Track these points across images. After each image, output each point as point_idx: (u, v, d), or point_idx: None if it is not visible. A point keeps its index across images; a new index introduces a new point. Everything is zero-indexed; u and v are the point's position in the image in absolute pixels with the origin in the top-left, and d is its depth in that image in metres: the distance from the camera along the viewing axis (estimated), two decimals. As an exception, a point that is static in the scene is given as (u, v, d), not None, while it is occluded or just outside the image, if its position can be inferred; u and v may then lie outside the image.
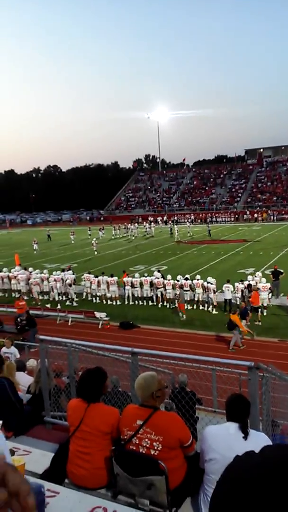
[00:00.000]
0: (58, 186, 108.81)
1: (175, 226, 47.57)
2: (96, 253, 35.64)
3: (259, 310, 16.73)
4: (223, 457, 2.83)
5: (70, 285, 21.26)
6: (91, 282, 21.13)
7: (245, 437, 2.88)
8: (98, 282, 20.91)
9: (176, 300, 18.54)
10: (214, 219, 61.32)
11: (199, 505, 2.97)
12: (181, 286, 19.19)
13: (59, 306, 20.06)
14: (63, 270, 23.39)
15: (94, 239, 38.87)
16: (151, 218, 60.50)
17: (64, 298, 21.92)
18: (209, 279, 18.85)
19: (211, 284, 18.28)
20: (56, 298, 21.71)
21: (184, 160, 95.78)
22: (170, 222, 57.29)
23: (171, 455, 3.02)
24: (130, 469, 3.01)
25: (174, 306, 19.28)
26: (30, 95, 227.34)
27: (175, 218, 61.70)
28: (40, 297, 22.33)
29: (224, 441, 2.94)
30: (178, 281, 19.40)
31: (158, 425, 3.03)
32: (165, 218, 62.53)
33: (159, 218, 61.05)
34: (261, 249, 33.23)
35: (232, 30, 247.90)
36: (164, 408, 4.79)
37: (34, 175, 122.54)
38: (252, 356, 11.53)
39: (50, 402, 5.08)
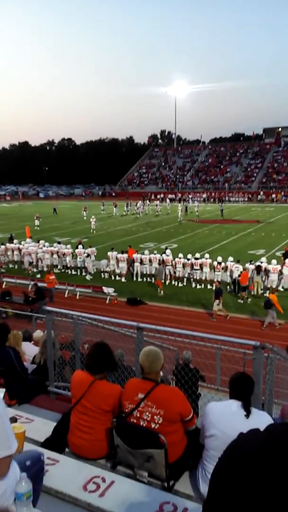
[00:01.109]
0: (71, 160, 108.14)
1: (179, 204, 46.50)
2: (94, 231, 34.26)
3: (246, 289, 17.14)
4: (224, 434, 2.82)
5: (88, 256, 21.26)
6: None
7: (247, 416, 2.86)
8: (109, 258, 21.00)
9: (157, 276, 18.88)
10: (227, 198, 60.57)
11: (197, 479, 2.99)
12: (191, 265, 19.18)
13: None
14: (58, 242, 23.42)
15: (93, 216, 37.21)
16: (161, 196, 60.24)
17: (73, 272, 22.10)
18: (219, 258, 18.77)
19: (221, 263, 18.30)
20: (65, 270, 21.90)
21: (201, 136, 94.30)
22: (183, 200, 56.74)
23: (172, 428, 3.03)
24: (130, 441, 3.03)
25: (183, 285, 19.31)
26: (47, 67, 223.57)
27: (184, 196, 60.97)
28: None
29: (225, 418, 2.93)
30: (188, 259, 19.35)
31: (159, 398, 3.03)
32: (178, 196, 61.94)
33: (169, 196, 60.36)
34: (273, 231, 32.87)
35: (254, 3, 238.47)
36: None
37: (48, 148, 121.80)
38: (258, 336, 11.52)
39: (55, 373, 5.14)
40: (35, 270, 22.88)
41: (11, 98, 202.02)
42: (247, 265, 18.07)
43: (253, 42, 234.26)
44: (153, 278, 20.12)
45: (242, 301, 16.90)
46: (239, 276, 17.53)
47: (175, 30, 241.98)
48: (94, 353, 3.43)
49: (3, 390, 2.95)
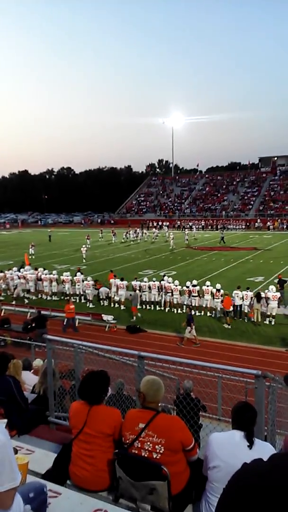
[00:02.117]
0: (70, 188, 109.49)
1: (171, 232, 46.79)
2: (84, 260, 33.92)
3: (229, 314, 17.57)
4: (227, 464, 2.80)
5: (93, 286, 21.28)
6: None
7: (250, 446, 2.85)
8: (110, 285, 21.00)
9: (132, 302, 19.16)
10: (225, 226, 61.11)
11: (201, 512, 2.94)
12: (189, 292, 19.17)
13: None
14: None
15: (83, 245, 36.95)
16: (157, 223, 61.05)
17: (72, 299, 22.03)
18: (218, 285, 18.80)
19: (220, 290, 18.32)
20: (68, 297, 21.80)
21: (197, 165, 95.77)
22: (183, 227, 57.31)
23: (174, 458, 3.00)
24: (133, 473, 2.99)
25: (182, 312, 19.24)
26: (45, 96, 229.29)
27: (184, 224, 61.72)
28: (48, 298, 22.52)
29: (229, 449, 2.91)
30: (187, 287, 19.35)
31: (160, 427, 3.02)
32: (177, 223, 62.49)
33: (165, 224, 61.04)
34: (271, 258, 33.01)
35: (248, 37, 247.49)
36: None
37: (47, 176, 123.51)
38: (258, 365, 11.43)
39: (55, 403, 5.08)
40: (26, 296, 22.85)
41: (11, 128, 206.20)
42: (245, 292, 18.07)
43: (248, 75, 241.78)
44: (152, 306, 20.06)
45: (229, 326, 17.13)
46: (241, 299, 17.73)
47: (172, 63, 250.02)
48: (89, 381, 3.41)
49: (4, 421, 2.94)
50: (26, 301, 22.29)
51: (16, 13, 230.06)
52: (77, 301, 21.64)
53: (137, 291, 19.67)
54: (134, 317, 18.49)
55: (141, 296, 20.12)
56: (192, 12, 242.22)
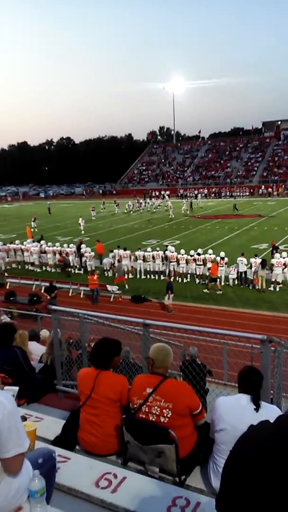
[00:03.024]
0: (71, 159, 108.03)
1: (169, 201, 46.53)
2: (83, 232, 33.58)
3: (218, 280, 17.84)
4: (234, 428, 2.83)
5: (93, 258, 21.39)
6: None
7: (257, 409, 2.86)
8: (114, 255, 21.05)
9: (116, 273, 19.47)
10: (228, 193, 60.52)
11: (209, 474, 2.99)
12: (194, 260, 19.17)
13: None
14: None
15: (80, 218, 36.33)
16: (159, 193, 60.57)
17: (76, 271, 22.17)
18: (222, 253, 18.77)
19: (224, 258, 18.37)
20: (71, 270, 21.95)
21: (199, 132, 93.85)
22: (186, 196, 56.87)
23: (181, 423, 3.03)
24: (141, 437, 3.03)
25: (187, 281, 19.32)
26: (43, 66, 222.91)
27: (187, 192, 61.18)
28: (53, 270, 22.64)
29: (235, 412, 2.93)
30: (191, 256, 19.34)
31: (167, 392, 3.04)
32: (180, 192, 61.97)
33: (166, 193, 60.52)
34: (275, 225, 32.79)
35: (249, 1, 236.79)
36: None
37: (47, 147, 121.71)
38: (264, 331, 11.50)
39: (62, 371, 5.15)
40: (38, 269, 22.98)
41: (8, 99, 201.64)
42: (252, 259, 18.01)
43: (250, 39, 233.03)
44: (157, 275, 20.13)
45: (220, 292, 17.45)
46: (248, 266, 17.93)
47: (172, 26, 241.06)
48: (100, 346, 3.47)
49: (16, 388, 2.95)
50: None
51: None
52: (82, 272, 21.74)
53: (122, 262, 20.02)
54: (126, 286, 18.77)
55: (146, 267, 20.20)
56: None
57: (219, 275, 17.97)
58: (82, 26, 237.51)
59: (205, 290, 17.79)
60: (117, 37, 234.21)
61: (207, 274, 18.75)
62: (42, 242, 24.83)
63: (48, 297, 16.35)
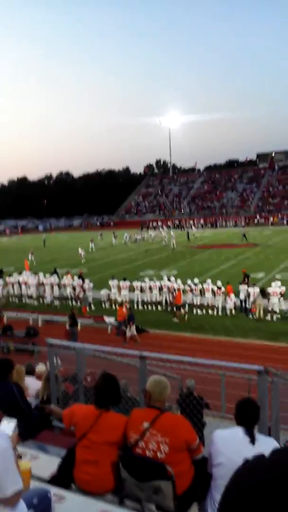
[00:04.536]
0: (69, 192, 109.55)
1: (171, 231, 47.19)
2: (83, 261, 34.68)
3: (181, 308, 18.36)
4: (231, 461, 2.80)
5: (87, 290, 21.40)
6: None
7: (252, 442, 2.84)
8: (110, 286, 21.03)
9: (83, 303, 20.09)
10: (223, 223, 61.24)
11: (206, 510, 2.93)
12: (191, 291, 19.17)
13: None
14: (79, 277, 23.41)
15: (80, 248, 37.25)
16: (157, 223, 61.28)
17: (74, 303, 22.06)
18: (218, 283, 18.81)
19: (221, 288, 18.40)
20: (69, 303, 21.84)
21: (195, 164, 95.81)
22: (186, 226, 57.49)
23: (178, 458, 2.99)
24: (137, 474, 2.99)
25: (185, 311, 19.24)
26: (41, 101, 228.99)
27: (183, 223, 61.85)
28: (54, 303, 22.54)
29: (232, 445, 2.91)
30: (189, 286, 19.35)
31: (164, 426, 3.01)
32: (175, 223, 62.65)
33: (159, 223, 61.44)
34: (271, 253, 32.99)
35: (243, 34, 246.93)
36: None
37: (46, 182, 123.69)
38: (262, 360, 11.39)
39: (59, 407, 5.08)
40: (35, 303, 22.87)
41: (8, 135, 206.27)
42: (251, 289, 18.04)
43: (243, 74, 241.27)
44: (153, 306, 20.05)
45: (177, 320, 17.71)
46: (247, 296, 18.02)
47: (167, 63, 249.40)
48: (102, 385, 3.39)
49: (14, 420, 2.89)
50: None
51: (13, 15, 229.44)
52: (79, 304, 21.63)
53: (87, 293, 20.68)
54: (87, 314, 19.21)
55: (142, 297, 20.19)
56: (187, 10, 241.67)
57: (181, 303, 18.44)
58: (80, 62, 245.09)
59: (175, 319, 18.06)
60: (114, 71, 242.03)
61: (206, 303, 18.74)
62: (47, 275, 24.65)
63: (68, 325, 16.51)
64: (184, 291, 19.36)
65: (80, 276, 23.12)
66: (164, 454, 2.97)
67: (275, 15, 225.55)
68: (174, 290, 19.42)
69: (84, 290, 21.09)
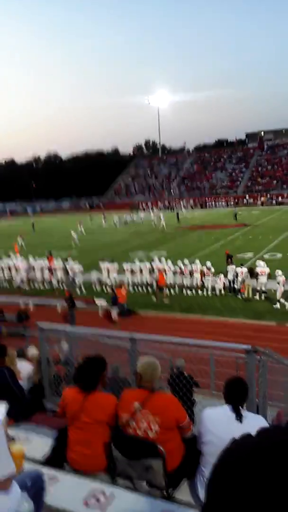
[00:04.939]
0: (58, 174, 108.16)
1: (160, 213, 47.31)
2: (76, 244, 34.84)
3: (164, 289, 18.50)
4: (220, 439, 2.87)
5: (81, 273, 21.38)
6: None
7: (240, 419, 2.91)
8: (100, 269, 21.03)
9: (66, 286, 19.93)
10: (213, 203, 61.27)
11: (196, 486, 3.02)
12: (181, 271, 19.25)
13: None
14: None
15: (72, 232, 37.43)
16: (146, 204, 61.07)
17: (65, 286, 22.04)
18: (208, 263, 18.91)
19: (211, 268, 18.53)
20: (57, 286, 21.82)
21: (184, 143, 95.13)
22: (176, 207, 57.38)
23: (169, 436, 3.06)
24: (129, 453, 3.06)
25: (175, 293, 19.37)
26: (28, 82, 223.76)
27: (174, 204, 61.77)
28: (41, 286, 22.48)
29: (221, 424, 2.98)
30: (179, 267, 19.41)
31: (155, 405, 3.07)
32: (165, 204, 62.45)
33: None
34: (260, 233, 33.17)
35: (232, 12, 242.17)
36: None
37: (34, 164, 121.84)
38: (250, 339, 11.58)
39: (51, 390, 5.14)
40: (26, 287, 22.81)
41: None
42: (238, 268, 18.18)
43: (234, 52, 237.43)
44: (144, 288, 20.13)
45: (166, 300, 18.05)
46: (235, 276, 18.17)
47: (155, 40, 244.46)
48: (85, 368, 3.43)
49: (3, 404, 2.91)
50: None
51: None
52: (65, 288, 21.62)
53: (71, 276, 20.54)
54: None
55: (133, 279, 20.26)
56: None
57: (164, 284, 18.59)
58: (66, 41, 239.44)
59: (155, 299, 18.45)
60: (102, 51, 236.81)
61: (195, 284, 18.87)
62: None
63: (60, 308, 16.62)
64: (175, 273, 19.44)
65: (64, 258, 23.11)
66: (155, 433, 3.04)
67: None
68: (164, 271, 19.50)
69: (67, 273, 21.10)
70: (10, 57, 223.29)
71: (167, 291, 18.71)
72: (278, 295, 16.31)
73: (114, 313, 16.43)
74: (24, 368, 6.56)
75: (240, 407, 3.00)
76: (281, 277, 16.31)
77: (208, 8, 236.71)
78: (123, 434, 3.15)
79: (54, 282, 22.19)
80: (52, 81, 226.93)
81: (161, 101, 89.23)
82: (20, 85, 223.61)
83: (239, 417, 2.93)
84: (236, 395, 3.08)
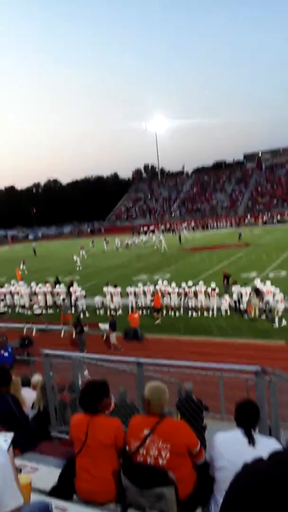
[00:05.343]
0: (58, 200, 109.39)
1: (161, 235, 47.91)
2: (78, 268, 35.05)
3: (159, 311, 18.71)
4: (233, 464, 2.78)
5: (84, 297, 21.31)
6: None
7: (252, 443, 2.83)
8: (104, 293, 20.98)
9: (63, 311, 19.89)
10: (214, 224, 61.62)
11: (211, 515, 2.91)
12: (185, 294, 19.18)
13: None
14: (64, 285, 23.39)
15: (75, 256, 38.05)
16: (148, 228, 61.51)
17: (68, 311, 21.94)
18: (212, 284, 18.86)
19: (215, 289, 18.46)
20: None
21: (183, 167, 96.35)
22: (177, 229, 57.74)
23: (180, 463, 2.97)
24: (139, 481, 2.96)
25: (180, 314, 19.24)
26: (27, 108, 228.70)
27: (175, 226, 62.17)
28: (44, 311, 22.37)
29: (233, 448, 2.89)
30: (183, 288, 19.35)
31: (165, 432, 2.99)
32: (167, 226, 62.81)
33: (151, 228, 61.69)
34: (263, 252, 33.18)
35: (229, 36, 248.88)
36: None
37: (34, 190, 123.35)
38: (259, 359, 11.41)
39: (56, 417, 5.03)
40: (28, 312, 22.71)
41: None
42: (244, 288, 18.09)
43: (227, 79, 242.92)
44: (148, 310, 20.02)
45: (159, 322, 18.30)
46: (240, 296, 18.06)
47: (152, 68, 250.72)
48: (85, 392, 3.40)
49: (10, 434, 2.85)
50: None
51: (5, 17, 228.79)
52: (73, 312, 21.51)
53: (66, 300, 20.78)
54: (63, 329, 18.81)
55: (136, 302, 20.16)
56: (174, 12, 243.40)
57: (160, 306, 18.71)
58: (64, 68, 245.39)
59: (157, 322, 18.48)
60: (100, 79, 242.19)
61: (200, 305, 18.75)
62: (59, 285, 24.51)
63: (74, 333, 16.50)
64: (179, 294, 19.39)
65: (71, 284, 23.05)
66: (165, 460, 2.94)
67: (259, 18, 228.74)
68: (169, 293, 19.45)
69: (64, 299, 21.26)
70: (6, 87, 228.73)
71: (160, 313, 18.82)
72: (277, 313, 16.36)
73: (113, 337, 16.20)
74: (28, 395, 6.45)
75: (252, 430, 2.92)
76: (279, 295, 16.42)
77: (205, 34, 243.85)
78: (132, 462, 3.06)
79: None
80: (50, 108, 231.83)
81: (159, 126, 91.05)
82: (19, 112, 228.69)
83: (251, 441, 2.84)
84: (248, 418, 3.01)
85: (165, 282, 20.48)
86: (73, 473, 3.31)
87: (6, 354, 11.65)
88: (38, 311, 21.47)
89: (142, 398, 3.41)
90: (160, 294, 19.58)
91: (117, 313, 20.21)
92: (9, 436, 2.47)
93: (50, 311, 22.48)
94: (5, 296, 24.25)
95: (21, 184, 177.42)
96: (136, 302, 20.26)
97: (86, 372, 5.77)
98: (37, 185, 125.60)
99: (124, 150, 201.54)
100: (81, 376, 5.29)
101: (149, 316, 19.51)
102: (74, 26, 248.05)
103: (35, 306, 22.05)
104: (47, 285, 23.58)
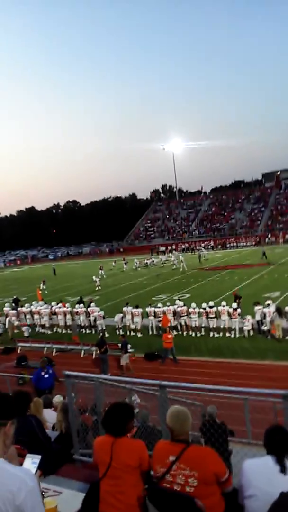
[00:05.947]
0: (78, 220, 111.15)
1: (180, 255, 47.86)
2: (97, 288, 34.95)
3: (167, 330, 17.57)
4: (264, 493, 2.67)
5: (103, 317, 21.29)
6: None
7: (283, 471, 2.71)
8: (124, 313, 20.91)
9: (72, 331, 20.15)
10: (234, 243, 61.24)
11: None
12: (206, 314, 18.94)
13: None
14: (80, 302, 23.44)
15: (94, 277, 37.95)
16: (166, 248, 61.54)
17: (87, 331, 21.92)
18: (234, 305, 18.60)
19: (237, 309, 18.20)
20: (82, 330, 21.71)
21: (202, 188, 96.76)
22: (196, 249, 57.60)
23: (208, 491, 2.87)
24: (165, 508, 2.86)
25: (201, 335, 18.98)
26: (47, 131, 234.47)
27: (194, 246, 62.10)
28: (64, 331, 22.41)
29: (264, 476, 2.79)
30: (204, 309, 19.15)
31: (192, 460, 2.90)
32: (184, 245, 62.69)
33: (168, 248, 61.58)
34: (285, 271, 32.64)
35: (246, 58, 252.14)
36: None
37: (54, 211, 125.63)
38: (283, 382, 11.08)
39: (78, 439, 4.96)
40: (48, 332, 22.81)
41: (15, 167, 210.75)
42: (266, 309, 17.76)
43: (243, 101, 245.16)
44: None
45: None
46: (262, 317, 17.78)
47: (170, 90, 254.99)
48: (112, 414, 3.34)
49: (38, 456, 2.80)
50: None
51: (9, 46, 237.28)
52: (92, 332, 21.48)
53: (75, 320, 20.86)
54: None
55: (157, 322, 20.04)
56: (192, 33, 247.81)
57: (167, 326, 18.09)
58: (83, 91, 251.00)
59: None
60: (117, 100, 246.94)
61: (222, 326, 18.48)
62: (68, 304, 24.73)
63: (98, 352, 16.43)
64: (199, 314, 19.18)
65: (90, 304, 23.12)
66: (192, 488, 2.85)
67: (275, 39, 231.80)
68: (188, 314, 19.26)
69: (73, 318, 21.60)
70: (28, 106, 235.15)
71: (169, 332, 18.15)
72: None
73: (124, 359, 15.94)
74: (50, 417, 6.41)
75: (284, 457, 2.81)
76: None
77: (224, 56, 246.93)
78: (158, 488, 2.97)
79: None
80: (69, 130, 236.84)
81: (176, 147, 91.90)
82: (39, 134, 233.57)
83: (283, 468, 2.73)
84: (278, 445, 2.89)
85: (181, 302, 20.34)
86: (97, 498, 3.23)
87: (46, 376, 11.65)
88: (26, 334, 22.13)
89: (165, 422, 3.34)
90: (172, 314, 19.53)
91: (137, 334, 20.10)
92: (37, 458, 2.44)
93: (70, 331, 22.50)
94: (25, 315, 24.50)
95: (41, 205, 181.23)
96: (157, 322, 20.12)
97: (134, 397, 5.67)
98: (56, 206, 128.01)
99: (142, 171, 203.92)
100: (129, 401, 5.18)
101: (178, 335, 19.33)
102: (97, 50, 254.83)
103: (24, 328, 22.69)
104: (60, 304, 23.74)
